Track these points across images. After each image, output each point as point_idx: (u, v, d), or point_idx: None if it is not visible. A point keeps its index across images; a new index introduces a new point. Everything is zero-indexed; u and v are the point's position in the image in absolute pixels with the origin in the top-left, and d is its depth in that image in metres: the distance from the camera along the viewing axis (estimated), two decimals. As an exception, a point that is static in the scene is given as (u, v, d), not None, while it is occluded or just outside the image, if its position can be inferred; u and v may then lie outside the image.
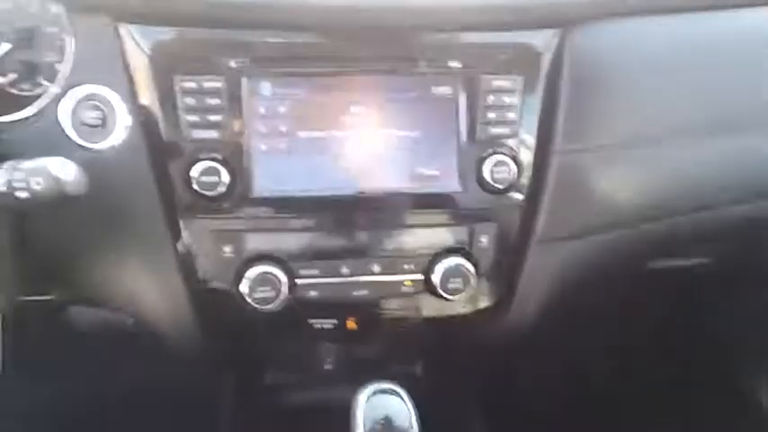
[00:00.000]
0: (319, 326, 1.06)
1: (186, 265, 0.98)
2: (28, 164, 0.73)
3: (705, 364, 1.69)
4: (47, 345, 1.21)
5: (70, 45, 0.92)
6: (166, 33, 0.91)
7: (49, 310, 1.18)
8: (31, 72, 0.98)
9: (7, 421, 1.27)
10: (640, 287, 1.50)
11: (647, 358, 1.77)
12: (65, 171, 0.74)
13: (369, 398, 1.00)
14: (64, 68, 0.92)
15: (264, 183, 0.95)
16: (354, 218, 1.00)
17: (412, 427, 0.98)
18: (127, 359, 1.19)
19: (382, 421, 0.98)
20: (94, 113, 0.91)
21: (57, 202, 0.75)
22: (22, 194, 0.71)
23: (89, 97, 0.91)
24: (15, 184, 0.71)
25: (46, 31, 0.97)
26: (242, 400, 1.42)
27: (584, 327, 1.57)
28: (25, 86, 1.00)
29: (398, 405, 1.00)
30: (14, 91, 0.99)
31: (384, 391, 1.01)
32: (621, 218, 1.06)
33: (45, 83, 0.98)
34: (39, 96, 0.93)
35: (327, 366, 1.33)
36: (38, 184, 0.71)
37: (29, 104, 0.92)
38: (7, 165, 0.73)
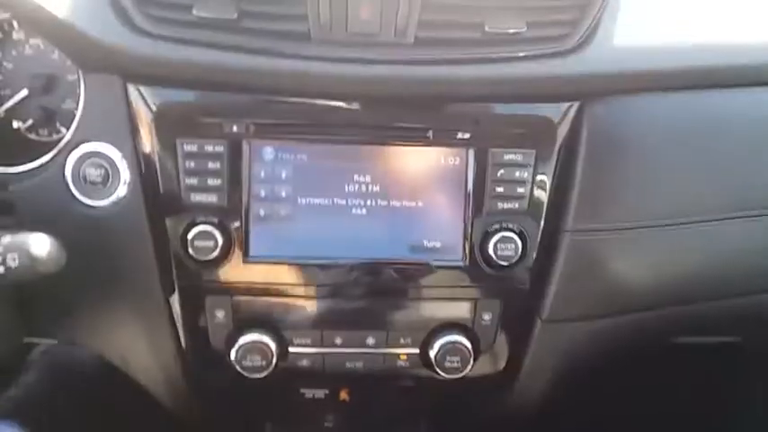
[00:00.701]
0: (311, 395, 1.03)
1: (178, 327, 0.97)
2: (6, 239, 0.73)
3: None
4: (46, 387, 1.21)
5: (80, 101, 0.93)
6: (172, 95, 0.91)
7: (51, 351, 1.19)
8: (50, 118, 1.01)
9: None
10: (661, 361, 1.42)
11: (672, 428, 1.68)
12: (42, 248, 0.73)
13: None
14: (76, 113, 0.93)
15: (261, 248, 0.94)
16: (351, 287, 0.97)
17: None
18: (124, 407, 1.18)
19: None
20: (97, 171, 0.91)
21: (32, 279, 0.74)
22: None
23: (93, 154, 0.92)
24: None
25: (66, 78, 1.00)
26: None
27: (599, 398, 1.49)
28: (43, 132, 1.02)
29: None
30: (32, 136, 1.01)
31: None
32: (635, 301, 1.00)
33: (63, 129, 1.00)
34: (56, 143, 0.94)
35: (328, 424, 1.29)
36: (13, 261, 0.71)
37: (43, 153, 0.93)
38: None
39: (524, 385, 1.05)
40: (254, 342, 0.94)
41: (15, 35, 1.00)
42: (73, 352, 1.21)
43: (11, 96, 1.00)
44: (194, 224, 0.91)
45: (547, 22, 0.91)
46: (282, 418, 1.26)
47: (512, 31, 0.90)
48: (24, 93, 1.00)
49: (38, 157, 0.94)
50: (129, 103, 0.90)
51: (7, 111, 1.01)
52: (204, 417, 1.13)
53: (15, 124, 1.01)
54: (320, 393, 1.03)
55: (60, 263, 0.77)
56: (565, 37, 0.91)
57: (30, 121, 1.01)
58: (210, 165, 0.91)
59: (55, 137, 1.01)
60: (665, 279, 1.00)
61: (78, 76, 0.94)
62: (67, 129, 0.95)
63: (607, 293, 0.99)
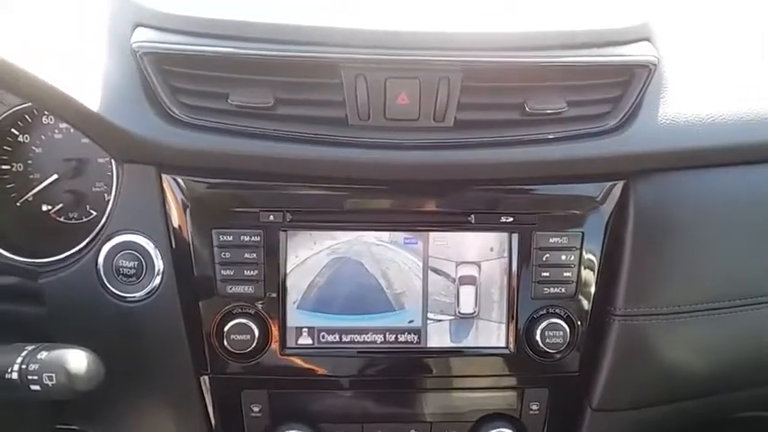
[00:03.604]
0: None
1: (212, 421, 0.94)
2: (44, 355, 0.70)
3: None
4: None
5: (113, 191, 0.91)
6: (208, 186, 0.89)
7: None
8: (80, 201, 1.00)
9: None
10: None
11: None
12: (79, 366, 0.71)
13: None
14: (110, 202, 0.91)
15: (298, 339, 0.90)
16: (393, 378, 0.93)
17: None
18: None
19: None
20: (131, 263, 0.89)
21: (68, 396, 0.72)
22: (34, 387, 0.69)
23: (127, 245, 0.90)
24: (29, 377, 0.68)
25: (96, 161, 0.99)
26: None
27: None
28: (73, 215, 1.00)
29: None
30: (62, 219, 1.00)
31: None
32: (688, 388, 0.96)
33: (93, 212, 0.99)
34: (86, 228, 0.92)
35: None
36: (50, 379, 0.68)
37: (74, 240, 0.92)
38: (25, 352, 0.70)
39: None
40: None
41: (45, 119, 0.99)
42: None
43: (40, 181, 0.99)
44: (230, 316, 0.89)
45: (588, 101, 0.89)
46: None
47: (552, 110, 0.87)
48: (54, 177, 0.99)
49: (68, 246, 0.92)
50: (163, 194, 0.89)
51: (36, 195, 0.99)
52: None
53: (45, 207, 1.00)
54: None
55: (99, 379, 0.74)
56: (607, 115, 0.89)
57: (60, 205, 1.00)
58: (247, 255, 0.88)
59: (85, 220, 1.00)
60: (719, 365, 0.96)
61: (111, 166, 0.93)
62: (98, 212, 0.94)
63: (658, 380, 0.95)
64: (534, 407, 0.94)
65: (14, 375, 0.69)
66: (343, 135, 0.85)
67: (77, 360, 0.71)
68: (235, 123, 0.85)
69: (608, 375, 0.93)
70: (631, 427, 0.98)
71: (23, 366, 0.69)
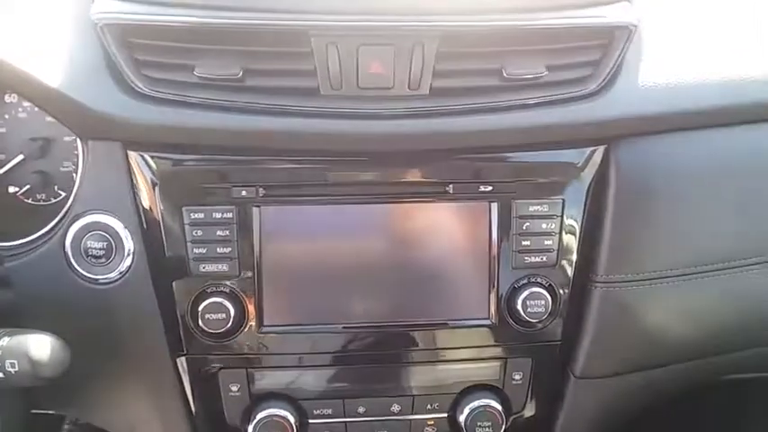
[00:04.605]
0: None
1: (191, 402, 0.92)
2: (6, 341, 0.67)
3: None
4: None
5: (79, 170, 0.88)
6: (176, 162, 0.86)
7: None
8: (47, 182, 0.96)
9: None
10: (711, 395, 1.35)
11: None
12: (43, 352, 0.68)
13: None
14: (76, 182, 0.88)
15: (274, 317, 0.89)
16: (372, 353, 0.92)
17: None
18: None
19: None
20: (99, 243, 0.86)
21: (32, 383, 0.69)
22: None
23: (94, 226, 0.87)
24: None
25: (63, 140, 0.95)
26: None
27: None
28: (41, 196, 0.97)
29: None
30: (30, 201, 0.96)
31: None
32: (672, 354, 0.95)
33: (61, 192, 0.95)
34: (53, 209, 0.89)
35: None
36: (12, 367, 0.66)
37: (41, 221, 0.89)
38: None
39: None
40: (271, 416, 0.89)
41: (8, 98, 0.95)
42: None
43: (5, 162, 0.95)
44: (205, 295, 0.86)
45: (567, 65, 0.86)
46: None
47: (531, 75, 0.85)
48: (20, 158, 0.95)
49: (35, 228, 0.89)
50: (131, 171, 0.86)
51: (1, 176, 0.95)
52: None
53: (11, 189, 0.96)
54: None
55: (64, 365, 0.72)
56: (587, 79, 0.87)
57: (26, 186, 0.96)
58: (219, 232, 0.86)
59: (53, 201, 0.96)
60: (701, 329, 0.96)
61: (76, 143, 0.89)
62: (66, 192, 0.91)
63: (642, 346, 0.94)
64: (517, 377, 0.94)
65: None
66: (315, 105, 0.82)
67: (41, 346, 0.68)
68: (202, 96, 0.82)
69: (591, 343, 0.92)
70: (615, 394, 0.98)
71: None
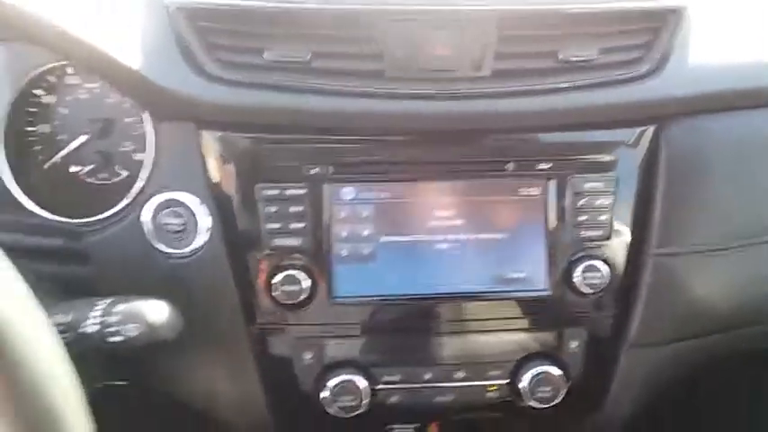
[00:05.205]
0: (399, 431, 1.02)
1: (265, 370, 0.96)
2: (123, 307, 0.72)
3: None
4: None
5: (151, 147, 0.91)
6: (249, 141, 0.90)
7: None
8: (108, 161, 0.98)
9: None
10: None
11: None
12: (160, 316, 0.73)
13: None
14: (146, 161, 0.91)
15: (346, 288, 0.93)
16: (438, 322, 0.96)
17: None
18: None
19: None
20: (176, 220, 0.90)
21: (147, 345, 0.74)
22: (116, 338, 0.71)
23: (171, 203, 0.90)
24: (110, 329, 0.71)
25: (124, 121, 0.97)
26: None
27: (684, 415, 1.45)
28: (102, 176, 1.00)
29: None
30: (91, 180, 1.00)
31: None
32: (722, 322, 0.99)
33: (122, 172, 0.99)
34: (119, 189, 0.92)
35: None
36: (134, 331, 0.71)
37: (108, 200, 0.92)
38: (101, 305, 0.73)
39: (610, 410, 1.03)
40: (343, 382, 0.93)
41: (69, 80, 0.97)
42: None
43: (68, 142, 0.97)
44: (279, 268, 0.90)
45: (619, 48, 0.91)
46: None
47: (583, 58, 0.89)
48: (83, 138, 0.97)
49: (102, 207, 0.92)
50: (203, 150, 0.90)
51: (63, 157, 0.97)
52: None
53: (73, 169, 0.99)
54: (409, 429, 1.03)
55: (178, 328, 0.77)
56: (638, 61, 0.91)
57: (90, 166, 0.98)
58: (292, 208, 0.90)
59: (115, 180, 0.99)
60: (749, 298, 0.99)
61: (142, 124, 0.93)
62: (129, 171, 0.95)
63: (692, 315, 0.98)
64: (574, 345, 0.97)
65: (95, 328, 0.71)
66: (381, 87, 0.87)
67: (158, 310, 0.73)
68: (273, 78, 0.86)
69: (643, 312, 0.96)
70: (664, 361, 1.01)
71: (104, 318, 0.72)
